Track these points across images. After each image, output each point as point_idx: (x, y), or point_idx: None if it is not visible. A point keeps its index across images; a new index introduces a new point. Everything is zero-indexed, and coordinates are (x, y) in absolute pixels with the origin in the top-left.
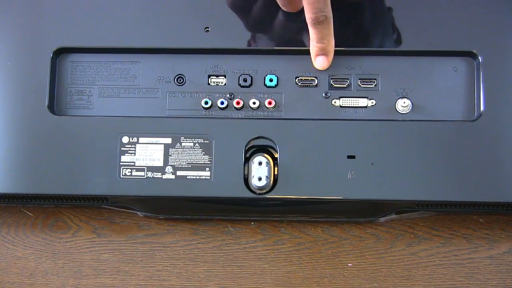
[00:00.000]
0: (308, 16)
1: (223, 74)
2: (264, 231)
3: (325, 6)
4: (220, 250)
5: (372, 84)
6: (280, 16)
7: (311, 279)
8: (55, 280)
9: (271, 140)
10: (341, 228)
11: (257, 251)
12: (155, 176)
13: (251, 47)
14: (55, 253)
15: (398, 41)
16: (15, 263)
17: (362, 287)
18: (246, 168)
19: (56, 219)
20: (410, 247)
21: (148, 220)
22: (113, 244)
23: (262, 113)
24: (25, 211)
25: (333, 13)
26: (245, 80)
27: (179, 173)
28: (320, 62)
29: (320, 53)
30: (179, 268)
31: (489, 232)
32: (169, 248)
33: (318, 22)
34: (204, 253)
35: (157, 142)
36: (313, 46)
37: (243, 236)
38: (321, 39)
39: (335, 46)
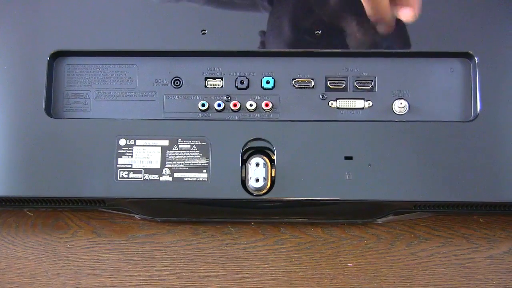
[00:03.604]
0: None
1: (219, 76)
2: (264, 231)
3: None
4: (220, 250)
5: (368, 86)
6: (277, 18)
7: (311, 279)
8: (55, 280)
9: (268, 141)
10: (341, 228)
11: (257, 251)
12: (152, 178)
13: (248, 49)
14: (55, 253)
15: (395, 42)
16: (15, 263)
17: (362, 287)
18: (243, 170)
19: (56, 219)
20: (410, 247)
21: (148, 220)
22: (113, 244)
23: (259, 115)
24: (25, 211)
25: (329, 16)
26: (242, 82)
27: (176, 175)
28: (402, 12)
29: (403, 3)
30: (179, 268)
31: (489, 232)
32: (169, 248)
33: None
34: (204, 253)
35: (154, 145)
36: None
37: (243, 236)
38: None
39: (332, 48)
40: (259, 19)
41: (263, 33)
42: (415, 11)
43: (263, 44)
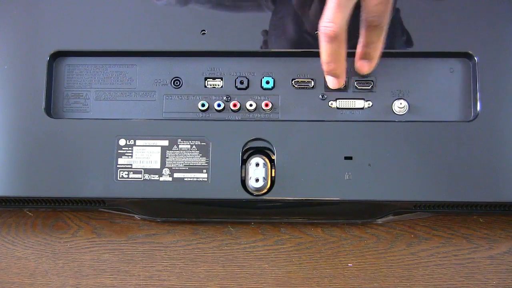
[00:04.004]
0: (364, 16)
1: (219, 76)
2: (264, 231)
3: (385, 11)
4: (220, 250)
5: (368, 86)
6: (277, 18)
7: (311, 279)
8: (55, 280)
9: (268, 141)
10: (341, 228)
11: (257, 251)
12: (152, 178)
13: (248, 49)
14: (55, 253)
15: (395, 42)
16: (15, 263)
17: (362, 287)
18: (243, 170)
19: (56, 219)
20: (410, 247)
21: (148, 220)
22: (113, 244)
23: (258, 115)
24: (25, 211)
25: None
26: (241, 82)
27: (176, 175)
28: (360, 66)
29: (363, 57)
30: (179, 268)
31: (489, 232)
32: (169, 248)
33: (372, 26)
34: (204, 253)
35: (154, 145)
36: (359, 48)
37: (243, 236)
38: (368, 44)
39: None
40: (259, 19)
41: (263, 33)
42: (372, 66)
43: (263, 44)
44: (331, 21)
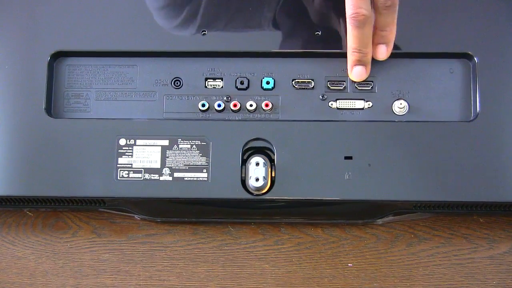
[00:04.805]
0: (376, 0)
1: (220, 77)
2: (264, 231)
3: None
4: (220, 250)
5: (368, 86)
6: (277, 18)
7: (311, 279)
8: (55, 280)
9: (268, 141)
10: (341, 228)
11: (257, 251)
12: (152, 177)
13: (248, 50)
14: (55, 253)
15: (395, 43)
16: (15, 263)
17: (362, 287)
18: (243, 169)
19: (56, 219)
20: (410, 247)
21: (148, 220)
22: (113, 244)
23: (259, 115)
24: (25, 211)
25: (329, 14)
26: (242, 83)
27: (176, 174)
28: (377, 51)
29: (379, 42)
30: (179, 268)
31: (489, 232)
32: (169, 248)
33: (385, 7)
34: (204, 253)
35: (154, 144)
36: (375, 33)
37: (243, 236)
38: (383, 26)
39: (332, 48)
40: (259, 20)
41: (263, 34)
42: (389, 50)
43: (263, 44)
44: (358, 7)
